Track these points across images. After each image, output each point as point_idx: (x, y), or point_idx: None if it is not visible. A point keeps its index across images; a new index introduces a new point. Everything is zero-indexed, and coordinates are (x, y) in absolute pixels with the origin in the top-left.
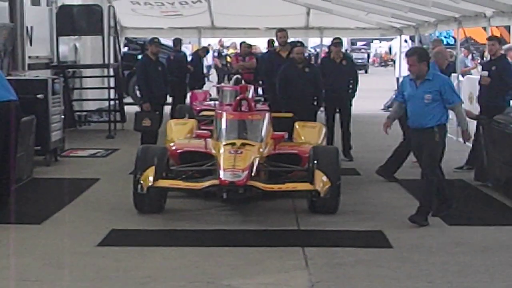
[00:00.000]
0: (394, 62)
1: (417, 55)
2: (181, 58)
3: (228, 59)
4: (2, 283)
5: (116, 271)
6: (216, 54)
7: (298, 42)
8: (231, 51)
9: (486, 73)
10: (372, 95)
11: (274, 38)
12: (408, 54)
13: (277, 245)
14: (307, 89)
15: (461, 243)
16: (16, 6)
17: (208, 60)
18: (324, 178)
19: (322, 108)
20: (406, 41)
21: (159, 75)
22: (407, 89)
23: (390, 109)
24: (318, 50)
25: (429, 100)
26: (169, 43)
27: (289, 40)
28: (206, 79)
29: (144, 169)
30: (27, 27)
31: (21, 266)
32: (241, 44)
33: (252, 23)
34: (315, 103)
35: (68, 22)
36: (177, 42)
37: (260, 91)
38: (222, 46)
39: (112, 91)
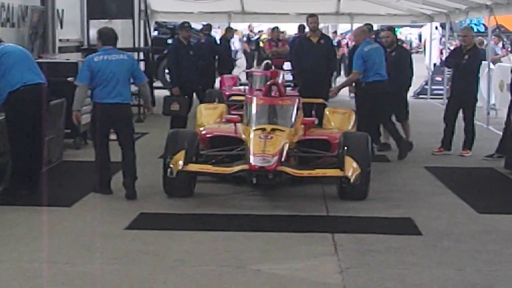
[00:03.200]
0: (424, 48)
1: None
2: (211, 43)
3: (261, 44)
4: (32, 265)
5: (145, 254)
6: (245, 39)
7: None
8: (264, 36)
9: None
10: None
11: (305, 24)
12: None
13: (307, 231)
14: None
15: (491, 231)
16: None
17: (235, 45)
18: (354, 164)
19: (352, 94)
20: (436, 28)
21: (190, 59)
22: None
23: (421, 96)
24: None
25: None
26: (199, 27)
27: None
28: (234, 63)
29: (174, 153)
30: (57, 10)
31: (52, 248)
32: (273, 29)
33: (282, 8)
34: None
35: (99, 6)
36: (207, 27)
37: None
38: (251, 31)
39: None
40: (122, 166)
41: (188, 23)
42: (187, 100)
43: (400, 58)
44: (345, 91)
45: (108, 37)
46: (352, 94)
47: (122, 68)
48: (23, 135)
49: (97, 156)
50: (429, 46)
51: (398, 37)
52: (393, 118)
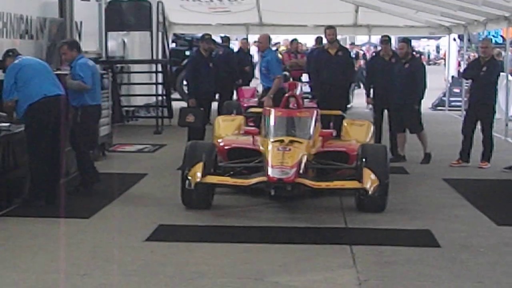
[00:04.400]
0: (445, 60)
1: None
2: (230, 55)
3: (279, 56)
4: (51, 276)
5: (163, 266)
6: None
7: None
8: (282, 48)
9: None
10: None
11: (323, 36)
12: None
13: (325, 242)
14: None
15: (510, 243)
16: (65, 1)
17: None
18: (373, 176)
19: (370, 106)
20: (454, 39)
21: (210, 72)
22: None
23: (439, 108)
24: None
25: None
26: (217, 39)
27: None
28: (252, 75)
29: (192, 165)
30: (76, 22)
31: (70, 260)
32: (292, 41)
33: (300, 20)
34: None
35: (117, 18)
36: (226, 39)
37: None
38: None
39: (160, 86)
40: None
41: (209, 35)
42: (202, 112)
43: (413, 70)
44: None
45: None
46: (370, 106)
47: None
48: (42, 147)
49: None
50: (447, 58)
51: (415, 49)
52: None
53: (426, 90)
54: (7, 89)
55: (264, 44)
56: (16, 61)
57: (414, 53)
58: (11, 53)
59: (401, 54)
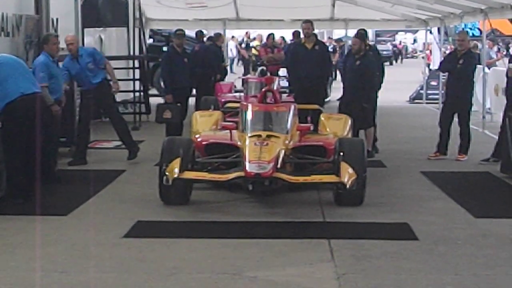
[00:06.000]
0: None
1: None
2: (206, 50)
3: (254, 50)
4: (28, 274)
5: (142, 262)
6: (244, 45)
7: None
8: (256, 43)
9: None
10: (398, 87)
11: (300, 30)
12: None
13: (303, 237)
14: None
15: (488, 235)
16: None
17: (233, 51)
18: (350, 170)
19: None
20: (431, 32)
21: (185, 67)
22: None
23: (416, 101)
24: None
25: None
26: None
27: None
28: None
29: (169, 160)
30: (52, 19)
31: (48, 257)
32: (268, 36)
33: (277, 14)
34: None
35: (94, 14)
36: (200, 34)
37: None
38: (249, 37)
39: (137, 82)
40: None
41: (182, 30)
42: (179, 108)
43: (363, 67)
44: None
45: None
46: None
47: None
48: (18, 145)
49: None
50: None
51: (370, 44)
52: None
53: (380, 86)
54: None
55: None
56: None
57: (367, 47)
58: None
59: (354, 50)
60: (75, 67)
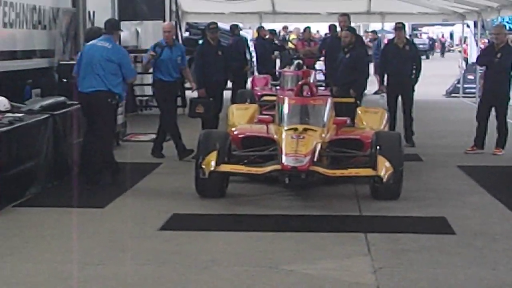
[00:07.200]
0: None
1: None
2: (241, 43)
3: (290, 44)
4: (66, 266)
5: (178, 255)
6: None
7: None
8: (292, 36)
9: None
10: (434, 81)
11: (336, 23)
12: None
13: (339, 230)
14: (346, 73)
15: None
16: None
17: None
18: (387, 163)
19: (383, 94)
20: (468, 26)
21: (219, 60)
22: None
23: (453, 95)
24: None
25: None
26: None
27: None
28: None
29: (206, 153)
30: (89, 12)
31: (85, 250)
32: (305, 29)
33: (313, 8)
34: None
35: (130, 7)
36: (235, 27)
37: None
38: (286, 31)
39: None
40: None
41: (215, 23)
42: (212, 102)
43: (353, 60)
44: None
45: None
46: (384, 94)
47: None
48: None
49: None
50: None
51: (360, 36)
52: None
53: (417, 80)
54: None
55: None
56: None
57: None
58: None
59: (344, 43)
60: (167, 54)
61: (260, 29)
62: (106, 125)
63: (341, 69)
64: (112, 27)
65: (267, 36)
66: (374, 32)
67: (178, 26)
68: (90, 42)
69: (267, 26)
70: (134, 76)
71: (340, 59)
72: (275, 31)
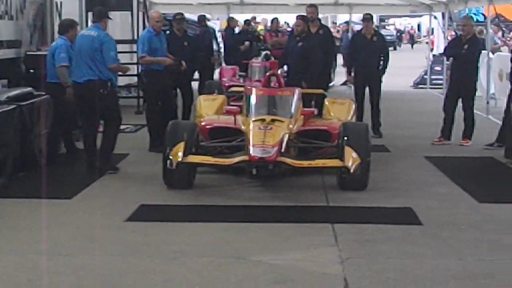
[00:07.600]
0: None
1: None
2: (208, 34)
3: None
4: (34, 256)
5: (146, 245)
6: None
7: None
8: (260, 27)
9: None
10: (402, 72)
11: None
12: None
13: (307, 221)
14: (298, 62)
15: (491, 220)
16: None
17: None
18: (354, 154)
19: (351, 85)
20: (435, 17)
21: (185, 51)
22: None
23: (420, 86)
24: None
25: None
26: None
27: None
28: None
29: (173, 144)
30: (56, 3)
31: (52, 240)
32: (273, 20)
33: None
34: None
35: None
36: (202, 18)
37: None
38: (254, 22)
39: (140, 66)
40: None
41: (181, 14)
42: (174, 93)
43: (305, 49)
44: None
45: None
46: (351, 85)
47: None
48: None
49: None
50: (437, 36)
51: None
52: None
53: (384, 71)
54: None
55: None
56: None
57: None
58: None
59: (297, 31)
60: (157, 43)
61: (230, 19)
62: (109, 110)
63: (292, 58)
64: (99, 15)
65: (237, 28)
66: (347, 23)
67: (145, 16)
68: (81, 32)
69: (236, 17)
70: (114, 63)
71: (291, 48)
72: (249, 21)
